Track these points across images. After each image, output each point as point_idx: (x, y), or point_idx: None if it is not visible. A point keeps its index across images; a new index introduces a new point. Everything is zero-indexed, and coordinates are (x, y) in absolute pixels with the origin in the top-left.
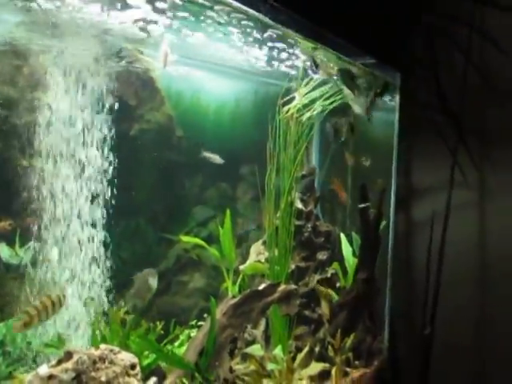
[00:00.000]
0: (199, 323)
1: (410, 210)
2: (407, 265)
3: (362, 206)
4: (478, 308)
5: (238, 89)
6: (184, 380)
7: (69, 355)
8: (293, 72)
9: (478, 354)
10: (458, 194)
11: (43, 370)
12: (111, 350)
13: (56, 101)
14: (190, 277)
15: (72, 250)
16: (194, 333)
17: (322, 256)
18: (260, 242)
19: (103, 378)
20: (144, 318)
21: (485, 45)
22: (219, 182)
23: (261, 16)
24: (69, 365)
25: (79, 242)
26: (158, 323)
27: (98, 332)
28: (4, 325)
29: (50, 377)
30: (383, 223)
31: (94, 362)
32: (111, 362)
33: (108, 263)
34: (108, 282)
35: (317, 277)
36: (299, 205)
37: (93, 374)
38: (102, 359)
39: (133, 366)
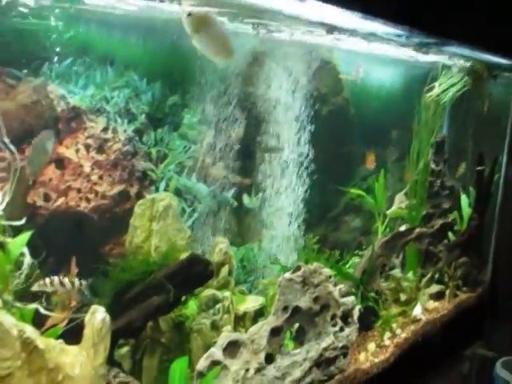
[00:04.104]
0: (360, 252)
1: None
2: None
3: (479, 168)
4: None
5: (394, 75)
6: (352, 289)
7: (298, 268)
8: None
9: None
10: None
11: (287, 275)
12: (319, 266)
13: (281, 94)
14: (353, 218)
15: (284, 199)
16: (356, 259)
17: (445, 205)
18: (402, 192)
19: (315, 282)
20: (324, 247)
21: None
22: (377, 147)
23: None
24: (299, 273)
25: (289, 193)
26: (335, 251)
27: (301, 255)
28: (244, 247)
29: (290, 279)
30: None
31: (311, 273)
32: (319, 273)
33: (306, 207)
34: (305, 221)
35: (440, 221)
36: (432, 165)
37: (311, 279)
38: (315, 271)
39: (330, 276)
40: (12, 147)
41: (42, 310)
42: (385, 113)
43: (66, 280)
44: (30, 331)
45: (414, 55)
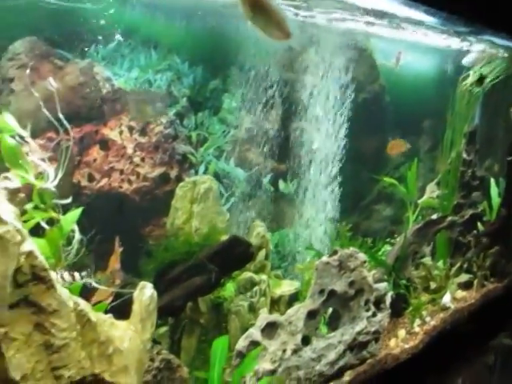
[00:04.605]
0: (391, 241)
1: None
2: None
3: (510, 158)
4: None
5: (429, 63)
6: (385, 276)
7: (335, 252)
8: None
9: None
10: None
11: (324, 258)
12: (355, 251)
13: (317, 80)
14: (384, 207)
15: (319, 185)
16: (388, 247)
17: (475, 195)
18: (434, 182)
19: (351, 266)
20: (356, 235)
21: None
22: (410, 136)
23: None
24: (335, 257)
25: (323, 180)
26: (368, 239)
27: (335, 242)
28: (278, 233)
29: (327, 263)
30: None
31: (347, 257)
32: (355, 258)
33: (339, 194)
34: (338, 208)
35: (470, 211)
36: (464, 154)
37: (347, 263)
38: (351, 255)
39: (364, 262)
40: (67, 125)
41: (95, 284)
42: (419, 101)
43: (66, 274)
44: (83, 304)
45: (450, 43)
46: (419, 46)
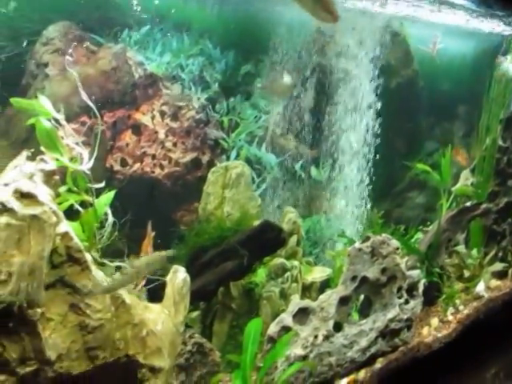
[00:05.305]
0: (424, 228)
1: None
2: None
3: None
4: None
5: (466, 47)
6: (418, 263)
7: (367, 238)
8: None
9: None
10: None
11: (357, 244)
12: (387, 238)
13: (350, 65)
14: (417, 194)
15: (351, 172)
16: (420, 235)
17: (511, 183)
18: (468, 169)
19: (384, 253)
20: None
21: None
22: (443, 122)
23: None
24: (368, 243)
25: (355, 167)
26: (400, 226)
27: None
28: (310, 219)
29: (360, 249)
30: None
31: (380, 243)
32: (388, 245)
33: (372, 181)
34: (370, 195)
35: (505, 199)
36: (500, 141)
37: (379, 250)
38: (383, 242)
39: (397, 248)
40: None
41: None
42: (454, 86)
43: None
44: None
45: (486, 26)
46: (454, 30)
